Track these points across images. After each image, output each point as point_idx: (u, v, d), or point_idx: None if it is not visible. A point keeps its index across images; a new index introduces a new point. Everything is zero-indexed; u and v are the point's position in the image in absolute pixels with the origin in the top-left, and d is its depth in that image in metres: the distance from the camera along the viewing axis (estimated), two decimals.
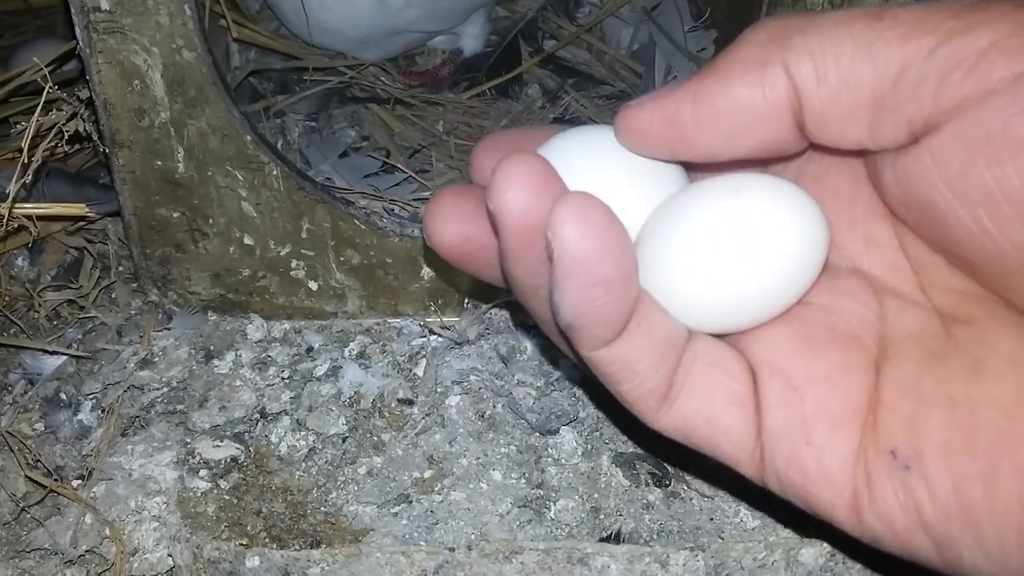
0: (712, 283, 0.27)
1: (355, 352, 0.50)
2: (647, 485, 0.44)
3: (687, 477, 0.44)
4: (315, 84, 0.69)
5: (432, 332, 0.51)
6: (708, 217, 0.27)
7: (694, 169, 0.30)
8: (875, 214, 0.27)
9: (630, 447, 0.46)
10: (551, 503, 0.43)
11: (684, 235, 0.27)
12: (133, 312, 0.51)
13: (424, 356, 0.49)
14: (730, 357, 0.29)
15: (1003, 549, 0.22)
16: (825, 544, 0.41)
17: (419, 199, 0.59)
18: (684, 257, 0.27)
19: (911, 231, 0.26)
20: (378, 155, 0.64)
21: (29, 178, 0.39)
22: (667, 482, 0.44)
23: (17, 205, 0.43)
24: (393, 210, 0.58)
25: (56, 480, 0.42)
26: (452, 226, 0.29)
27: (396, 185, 0.62)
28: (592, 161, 0.28)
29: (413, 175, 0.62)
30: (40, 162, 0.39)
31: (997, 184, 0.21)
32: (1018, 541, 0.22)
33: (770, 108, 0.25)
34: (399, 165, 0.63)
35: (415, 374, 0.49)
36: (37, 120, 0.42)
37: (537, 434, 0.46)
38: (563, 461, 0.45)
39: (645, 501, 0.43)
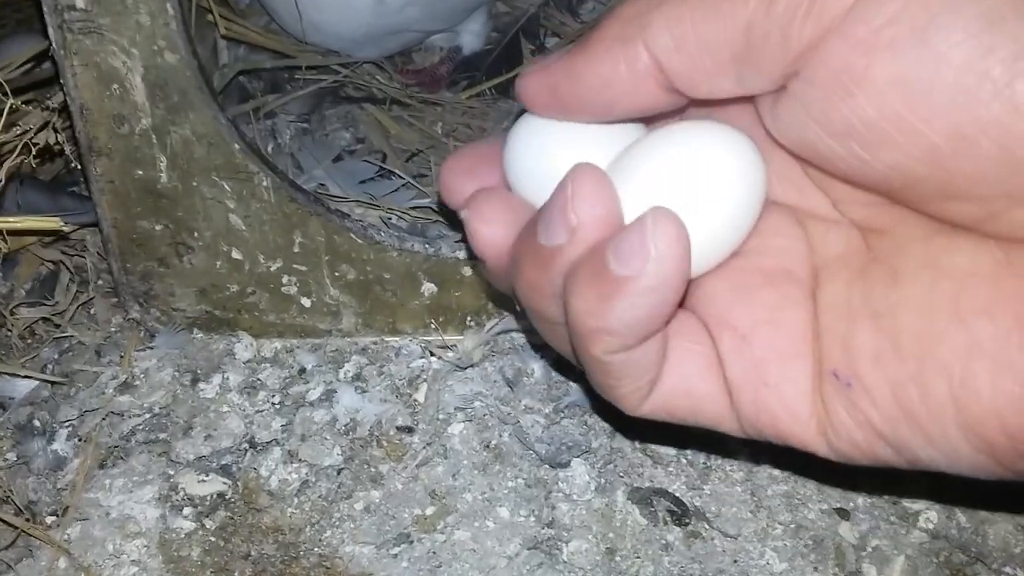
0: None
1: (351, 374, 0.47)
2: (665, 524, 0.41)
3: (707, 515, 0.41)
4: (308, 83, 0.65)
5: (433, 353, 0.47)
6: (656, 168, 0.27)
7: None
8: (776, 147, 0.28)
9: (646, 481, 0.43)
10: (563, 544, 0.40)
11: (634, 188, 0.27)
12: (113, 330, 0.48)
13: (425, 380, 0.46)
14: (689, 320, 0.29)
15: (949, 443, 0.24)
16: None
17: (417, 207, 0.56)
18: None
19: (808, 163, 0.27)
20: (374, 159, 0.61)
21: None
22: (687, 520, 0.41)
23: None
24: (391, 219, 0.55)
25: (28, 519, 0.39)
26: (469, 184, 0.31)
27: (393, 192, 0.58)
28: (554, 134, 0.29)
29: (411, 181, 0.58)
30: (3, 181, 0.36)
31: (855, 116, 0.23)
32: (960, 434, 0.23)
33: (637, 81, 0.26)
34: (396, 171, 0.59)
35: (415, 399, 0.45)
36: None
37: (547, 466, 0.43)
38: (575, 497, 0.42)
39: (664, 541, 0.40)
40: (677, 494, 0.42)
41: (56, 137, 0.37)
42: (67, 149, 0.38)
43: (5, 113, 0.35)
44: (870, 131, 0.23)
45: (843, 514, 0.41)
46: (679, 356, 0.29)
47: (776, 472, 0.43)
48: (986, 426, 0.23)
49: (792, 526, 0.41)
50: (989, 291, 0.23)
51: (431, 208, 0.56)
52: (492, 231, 0.29)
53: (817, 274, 0.28)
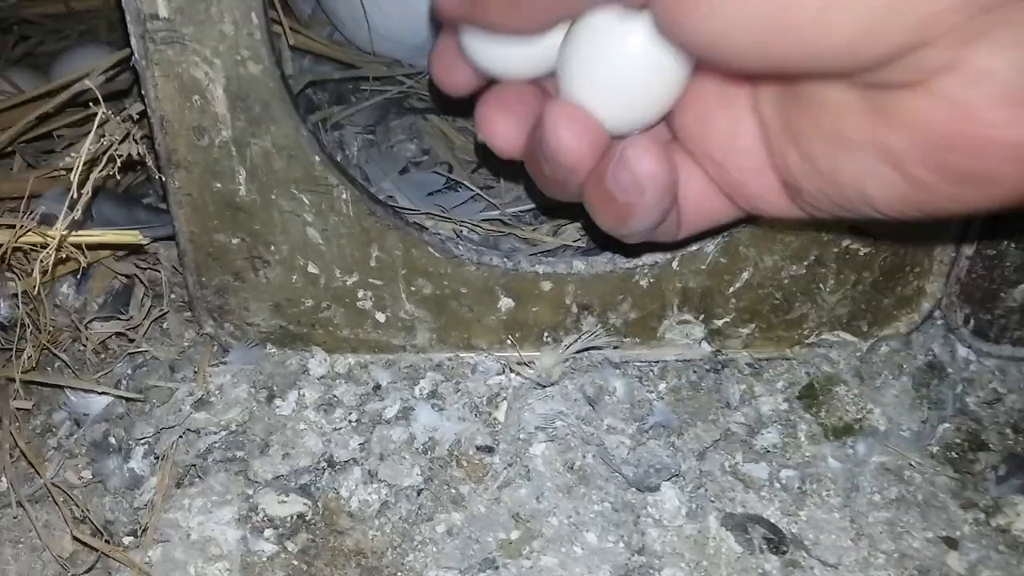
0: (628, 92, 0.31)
1: (426, 391, 0.46)
2: (762, 552, 0.39)
3: (805, 543, 0.39)
4: (373, 95, 0.64)
5: (512, 370, 0.46)
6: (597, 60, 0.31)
7: None
8: None
9: (738, 507, 0.41)
10: (655, 572, 0.38)
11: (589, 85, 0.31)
12: (187, 345, 0.47)
13: (504, 398, 0.45)
14: (683, 157, 0.34)
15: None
16: None
17: (489, 219, 0.55)
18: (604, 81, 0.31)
19: None
20: (440, 170, 0.60)
21: (79, 213, 0.35)
22: (784, 548, 0.39)
23: (69, 234, 0.39)
24: (462, 232, 0.54)
25: (106, 540, 0.38)
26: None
27: (462, 204, 0.57)
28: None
29: (480, 192, 0.57)
30: (91, 194, 0.35)
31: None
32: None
33: None
34: (464, 182, 0.58)
35: (495, 418, 0.44)
36: (88, 147, 0.38)
37: (634, 490, 0.41)
38: (665, 522, 0.40)
39: (761, 571, 0.38)
40: (772, 520, 0.40)
41: (137, 149, 0.36)
42: (148, 161, 0.37)
43: (96, 123, 0.34)
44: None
45: (950, 543, 0.39)
46: (689, 187, 0.34)
47: (876, 498, 0.41)
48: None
49: (896, 555, 0.39)
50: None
51: (502, 220, 0.55)
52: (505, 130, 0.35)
53: (755, 91, 0.31)
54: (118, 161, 0.36)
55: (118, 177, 0.37)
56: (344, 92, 0.66)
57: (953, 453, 0.43)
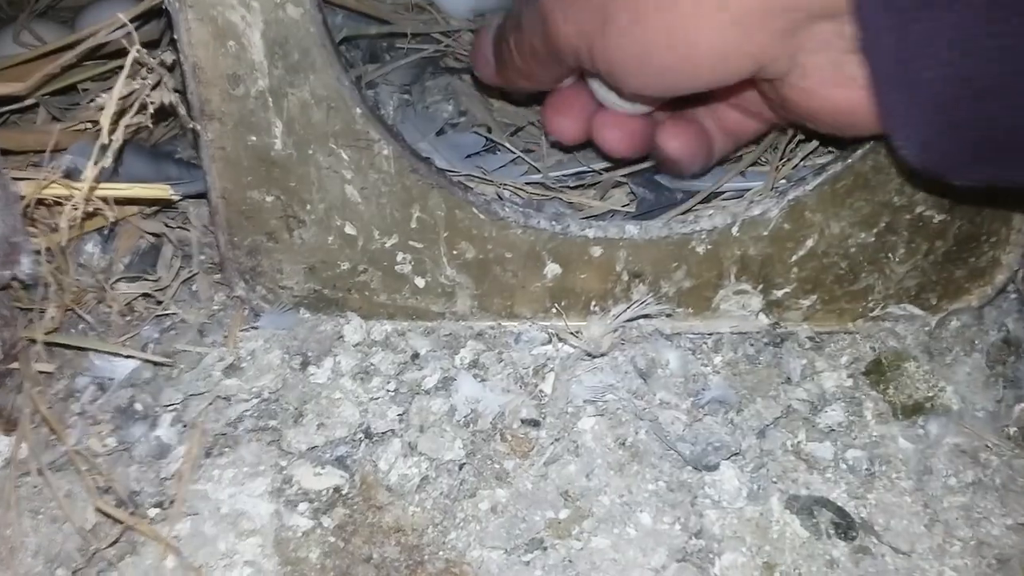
0: None
1: (467, 360, 0.43)
2: (829, 537, 0.37)
3: (875, 528, 0.37)
4: (408, 53, 0.62)
5: (559, 339, 0.43)
6: None
7: None
8: None
9: (802, 488, 0.38)
10: (715, 556, 0.36)
11: None
12: (216, 308, 0.44)
13: (552, 369, 0.42)
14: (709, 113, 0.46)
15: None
16: None
17: (532, 183, 0.52)
18: None
19: None
20: (479, 132, 0.57)
21: (108, 161, 0.32)
22: (853, 534, 0.37)
23: (97, 186, 0.37)
24: (504, 195, 0.51)
25: (131, 511, 0.35)
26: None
27: (502, 167, 0.54)
28: None
29: (521, 155, 0.54)
30: (121, 141, 0.32)
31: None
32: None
33: None
34: (504, 143, 0.55)
35: (541, 391, 0.42)
36: (120, 88, 0.35)
37: (690, 468, 0.39)
38: (724, 504, 0.38)
39: (828, 557, 0.36)
40: (839, 503, 0.38)
41: (170, 97, 0.34)
42: (180, 110, 0.34)
43: (129, 63, 0.31)
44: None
45: None
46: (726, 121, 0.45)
47: (951, 481, 0.39)
48: None
49: (973, 543, 0.36)
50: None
51: (545, 184, 0.52)
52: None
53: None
54: (150, 108, 0.33)
55: (150, 126, 0.35)
56: (378, 50, 0.64)
57: None
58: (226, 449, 0.39)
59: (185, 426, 0.39)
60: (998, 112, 0.27)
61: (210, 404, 0.40)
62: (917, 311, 0.45)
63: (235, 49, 0.37)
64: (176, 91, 0.38)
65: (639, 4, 0.33)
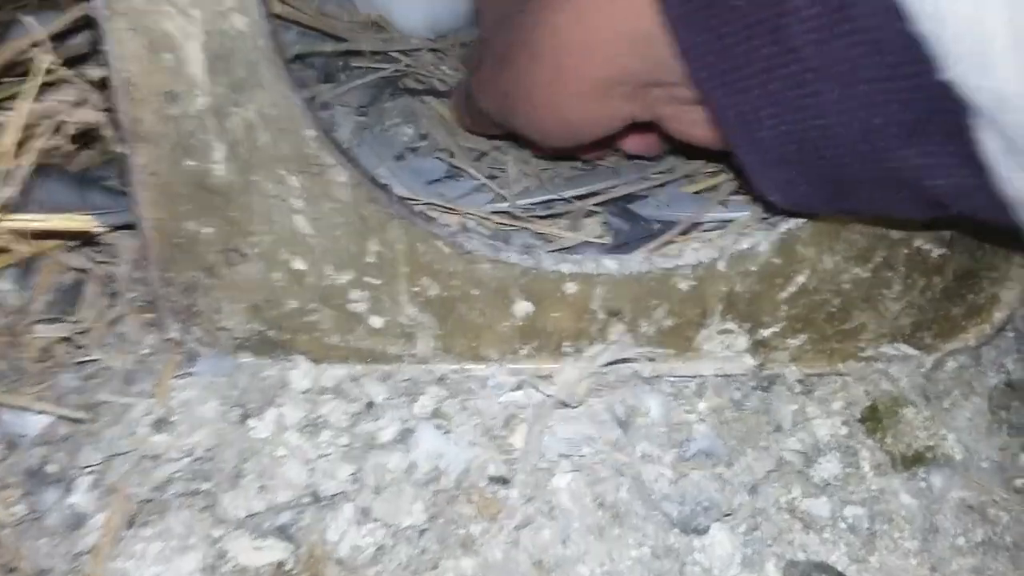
0: None
1: (429, 409, 0.39)
2: None
3: None
4: (366, 72, 0.58)
5: (530, 385, 0.39)
6: None
7: None
8: None
9: (799, 552, 0.35)
10: None
11: None
12: (146, 352, 0.40)
13: (522, 419, 0.38)
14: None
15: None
16: None
17: (498, 211, 0.48)
18: None
19: None
20: (442, 156, 0.53)
21: (15, 190, 0.28)
22: None
23: (4, 217, 0.32)
24: (469, 225, 0.48)
25: None
26: None
27: (466, 195, 0.51)
28: None
29: (487, 182, 0.51)
30: (32, 167, 0.28)
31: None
32: None
33: None
34: (468, 169, 0.52)
35: (511, 444, 0.38)
36: (31, 106, 0.31)
37: (678, 531, 0.35)
38: (716, 572, 0.34)
39: None
40: (840, 567, 0.34)
41: (96, 117, 0.29)
42: (105, 131, 0.30)
43: (38, 79, 0.27)
44: None
45: None
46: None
47: (960, 541, 0.35)
48: None
49: None
50: None
51: (512, 213, 0.49)
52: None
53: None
54: (72, 129, 0.28)
55: (71, 148, 0.30)
56: (334, 70, 0.60)
57: None
58: (152, 518, 0.34)
59: (105, 491, 0.34)
60: (829, 160, 0.29)
61: (135, 465, 0.35)
62: (911, 351, 0.42)
63: (172, 63, 0.33)
64: (106, 110, 0.34)
65: (531, 93, 0.39)
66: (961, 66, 0.23)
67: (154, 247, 0.37)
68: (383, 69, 0.58)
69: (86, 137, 0.33)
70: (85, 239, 0.40)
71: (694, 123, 0.37)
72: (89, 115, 0.31)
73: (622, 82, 0.35)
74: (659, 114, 0.38)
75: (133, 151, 0.34)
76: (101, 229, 0.36)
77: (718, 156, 0.47)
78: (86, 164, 0.44)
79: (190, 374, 0.39)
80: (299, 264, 0.38)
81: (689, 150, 0.46)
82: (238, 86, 0.33)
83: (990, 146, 0.25)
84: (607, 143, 0.46)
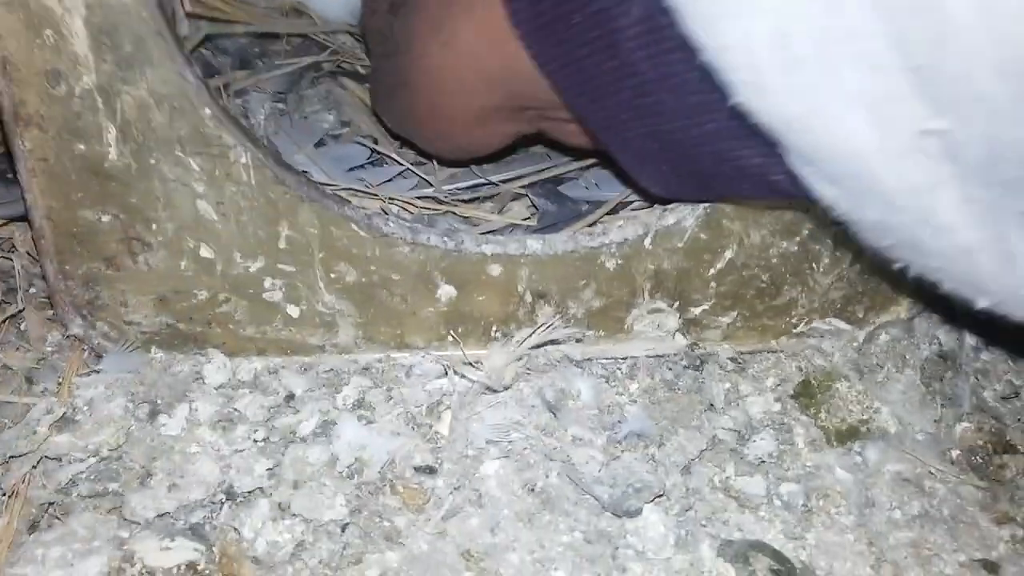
0: None
1: (351, 400, 0.37)
2: None
3: (818, 572, 0.33)
4: (285, 57, 0.56)
5: (455, 372, 0.38)
6: None
7: None
8: None
9: (734, 531, 0.34)
10: None
11: None
12: (49, 350, 0.38)
13: (448, 406, 0.37)
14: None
15: None
16: None
17: (423, 197, 0.47)
18: None
19: None
20: (364, 142, 0.52)
21: None
22: None
23: None
24: (391, 210, 0.46)
25: None
26: None
27: (389, 180, 0.49)
28: None
29: (410, 167, 0.49)
30: None
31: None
32: None
33: None
34: (392, 155, 0.50)
35: (437, 432, 0.36)
36: None
37: (610, 515, 0.34)
38: (650, 554, 0.33)
39: None
40: (776, 546, 0.33)
41: None
42: None
43: None
44: None
45: (989, 567, 0.33)
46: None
47: (896, 515, 0.35)
48: None
49: None
50: None
51: (437, 199, 0.47)
52: None
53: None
54: None
55: None
56: (249, 57, 0.57)
57: (977, 458, 0.37)
58: (54, 521, 0.32)
59: (4, 495, 0.32)
60: (686, 157, 0.31)
61: (35, 466, 0.33)
62: (844, 325, 0.42)
63: (53, 39, 0.31)
64: None
65: (419, 124, 0.42)
66: (745, 92, 0.25)
67: (48, 238, 0.35)
68: (301, 61, 0.56)
69: None
70: None
71: (572, 133, 0.39)
72: None
73: (497, 109, 0.37)
74: (540, 127, 0.41)
75: (19, 136, 0.32)
76: None
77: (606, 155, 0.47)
78: None
79: (97, 371, 0.37)
80: (206, 252, 0.36)
81: (579, 151, 0.46)
82: (126, 63, 0.31)
83: (790, 157, 0.27)
84: (509, 150, 0.47)
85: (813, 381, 0.39)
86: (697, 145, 0.30)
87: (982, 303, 0.27)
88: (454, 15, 0.35)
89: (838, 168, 0.25)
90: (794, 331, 0.42)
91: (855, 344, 0.41)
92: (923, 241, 0.26)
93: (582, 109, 0.33)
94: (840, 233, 0.38)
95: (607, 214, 0.44)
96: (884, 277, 0.41)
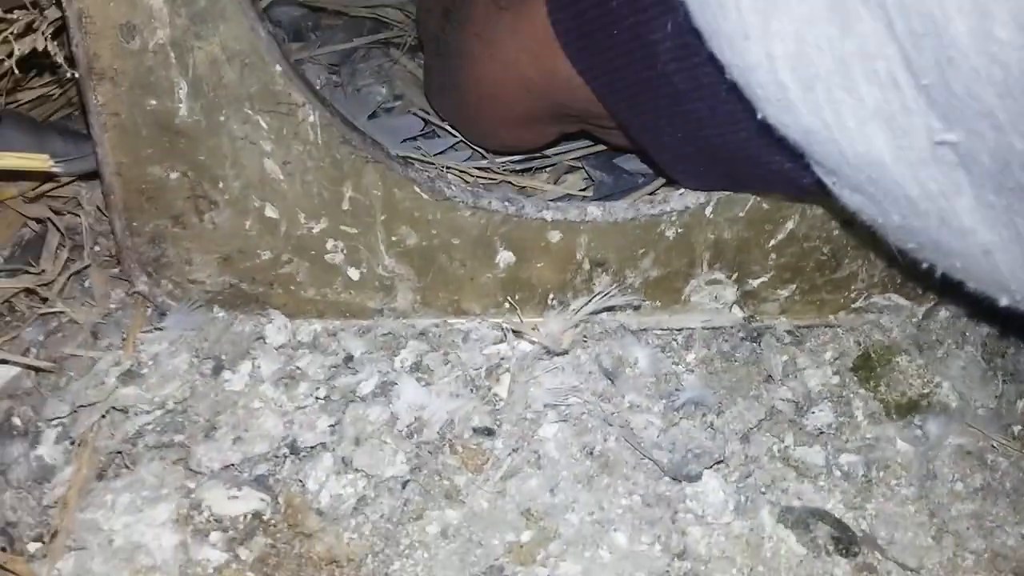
0: None
1: (409, 363, 0.38)
2: (828, 554, 0.32)
3: (879, 542, 0.32)
4: (336, 33, 0.56)
5: (516, 335, 0.38)
6: None
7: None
8: None
9: (794, 499, 0.34)
10: None
11: None
12: (113, 306, 0.38)
13: (507, 369, 0.37)
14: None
15: None
16: None
17: (479, 168, 0.47)
18: None
19: None
20: (418, 113, 0.52)
21: None
22: (855, 549, 0.32)
23: None
24: (449, 179, 0.46)
25: (3, 547, 0.29)
26: None
27: (442, 152, 0.49)
28: None
29: (464, 139, 0.49)
30: None
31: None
32: None
33: None
34: (446, 127, 0.50)
35: (495, 394, 0.36)
36: None
37: (668, 479, 0.34)
38: (709, 519, 0.33)
39: None
40: (836, 515, 0.33)
41: (46, 45, 0.27)
42: (58, 58, 0.28)
43: None
44: None
45: None
46: None
47: (958, 487, 0.34)
48: None
49: (987, 555, 0.32)
50: None
51: (492, 169, 0.47)
52: None
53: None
54: (15, 54, 0.27)
55: (17, 75, 0.28)
56: (302, 29, 0.58)
57: None
58: (122, 470, 0.32)
59: (73, 443, 0.33)
60: (721, 160, 0.33)
61: (103, 417, 0.33)
62: (903, 301, 0.41)
63: None
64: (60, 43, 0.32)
65: (468, 123, 0.45)
66: (769, 108, 0.26)
67: (118, 194, 0.35)
68: (352, 30, 0.57)
69: (40, 72, 0.31)
70: (44, 186, 0.38)
71: (610, 133, 0.40)
72: (39, 42, 0.29)
73: (540, 113, 0.40)
74: (583, 127, 0.42)
75: (90, 90, 0.33)
76: (57, 170, 0.34)
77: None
78: (48, 113, 0.42)
79: (160, 328, 0.37)
80: (271, 212, 0.36)
81: (620, 149, 0.47)
82: (199, 18, 0.31)
83: (814, 168, 0.28)
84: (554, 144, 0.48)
85: (873, 355, 0.39)
86: (731, 151, 0.32)
87: (1004, 300, 0.29)
88: (501, 28, 0.37)
89: (861, 177, 0.27)
90: (852, 306, 0.41)
91: (914, 320, 0.41)
92: (945, 243, 0.27)
93: (621, 115, 0.34)
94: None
95: (663, 186, 0.44)
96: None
